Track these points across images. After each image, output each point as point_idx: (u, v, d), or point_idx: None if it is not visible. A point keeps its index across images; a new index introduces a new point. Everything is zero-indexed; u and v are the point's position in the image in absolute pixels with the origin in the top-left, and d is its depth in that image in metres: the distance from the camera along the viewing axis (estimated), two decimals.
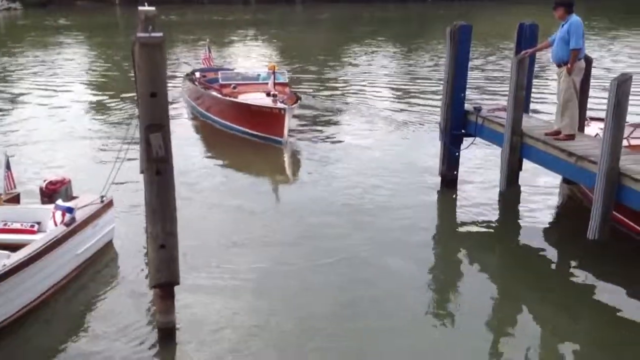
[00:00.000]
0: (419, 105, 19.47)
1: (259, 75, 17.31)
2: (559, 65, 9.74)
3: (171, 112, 17.74)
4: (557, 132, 9.80)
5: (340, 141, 15.80)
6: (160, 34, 6.31)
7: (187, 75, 19.78)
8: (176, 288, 7.01)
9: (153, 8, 10.12)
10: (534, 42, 11.14)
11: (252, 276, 8.71)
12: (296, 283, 8.57)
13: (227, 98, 15.77)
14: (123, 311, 7.86)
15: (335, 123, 17.68)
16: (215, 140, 15.92)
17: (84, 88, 22.83)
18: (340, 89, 22.53)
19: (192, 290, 8.25)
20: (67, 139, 15.66)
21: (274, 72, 15.57)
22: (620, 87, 7.74)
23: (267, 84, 15.90)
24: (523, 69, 9.77)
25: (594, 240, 8.43)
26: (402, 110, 18.91)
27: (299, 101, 15.66)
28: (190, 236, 9.75)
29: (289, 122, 14.71)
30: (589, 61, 10.03)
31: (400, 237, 10.08)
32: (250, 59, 29.65)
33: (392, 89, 22.39)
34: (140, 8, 10.05)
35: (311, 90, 21.76)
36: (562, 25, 9.69)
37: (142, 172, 6.47)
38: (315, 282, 8.63)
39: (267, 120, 14.52)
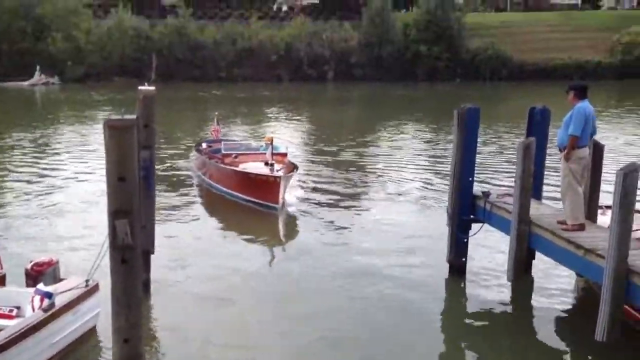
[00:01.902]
0: (443, 185, 19.03)
1: (261, 146, 18.12)
2: (560, 150, 9.35)
3: (177, 183, 18.47)
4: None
5: (351, 215, 15.77)
6: (132, 117, 6.11)
7: (195, 146, 20.78)
8: None
9: (153, 88, 10.17)
10: (545, 126, 10.78)
11: None
12: None
13: (228, 167, 16.72)
14: None
15: (353, 197, 17.55)
16: (216, 208, 16.63)
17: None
18: (365, 165, 22.33)
19: None
20: (76, 214, 15.50)
21: (271, 143, 16.16)
22: (627, 178, 7.24)
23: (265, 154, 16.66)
24: (529, 154, 9.33)
25: (602, 342, 7.76)
26: (423, 189, 18.46)
27: (295, 170, 16.67)
28: (169, 328, 9.46)
29: (285, 190, 15.61)
30: (599, 148, 9.58)
31: (403, 327, 9.58)
32: (277, 134, 29.68)
33: (417, 168, 21.93)
34: (139, 87, 10.09)
35: (335, 165, 21.76)
36: None
37: None
38: None
39: (263, 187, 15.34)
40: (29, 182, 19.03)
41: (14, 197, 17.06)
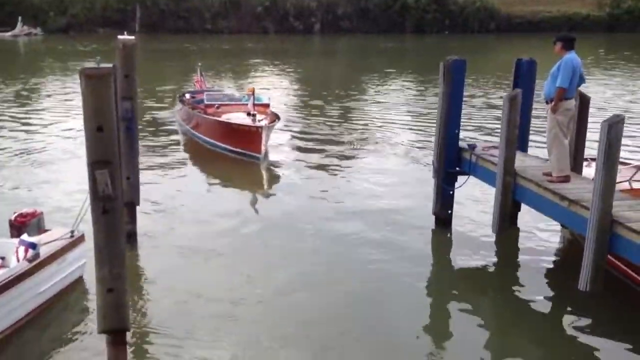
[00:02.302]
0: (432, 138, 18.92)
1: (243, 96, 18.19)
2: (546, 102, 9.31)
3: (161, 134, 18.33)
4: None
5: (337, 168, 15.75)
6: (108, 65, 5.96)
7: (179, 97, 20.73)
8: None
9: (132, 37, 9.96)
10: (532, 78, 10.71)
11: (214, 324, 8.21)
12: (269, 331, 8.05)
13: (210, 117, 16.80)
14: (81, 353, 7.46)
15: (339, 150, 17.47)
16: (200, 158, 16.71)
17: None
18: (351, 118, 22.22)
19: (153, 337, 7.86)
20: (60, 165, 15.34)
21: (253, 94, 16.35)
22: (612, 129, 7.23)
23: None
24: (515, 106, 9.27)
25: (585, 291, 7.85)
26: (411, 142, 18.38)
27: (277, 120, 16.94)
28: (155, 279, 9.48)
29: (267, 140, 15.85)
30: (585, 100, 9.54)
31: (388, 276, 9.62)
32: (263, 87, 29.42)
33: (404, 121, 21.83)
34: (119, 37, 9.88)
35: (321, 119, 21.68)
36: None
37: None
38: (290, 329, 8.13)
39: (245, 137, 15.53)
40: (11, 133, 18.83)
41: (19, 145, 16.98)
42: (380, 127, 20.50)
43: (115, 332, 6.41)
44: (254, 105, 16.23)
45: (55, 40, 50.67)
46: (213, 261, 10.10)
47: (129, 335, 6.81)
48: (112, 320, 6.32)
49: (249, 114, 16.10)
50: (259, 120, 15.62)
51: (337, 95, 27.17)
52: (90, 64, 32.66)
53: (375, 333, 8.06)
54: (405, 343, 7.89)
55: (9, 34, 53.37)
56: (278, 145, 17.41)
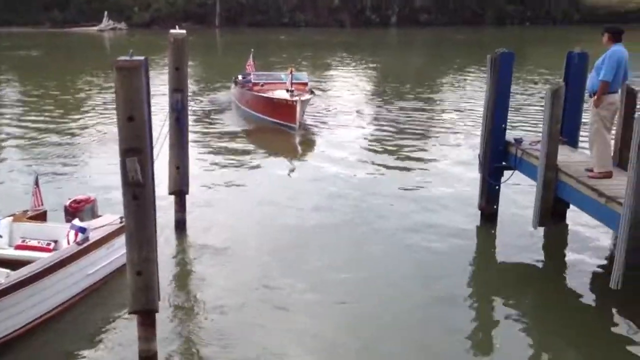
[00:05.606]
0: None
1: (284, 75, 20.30)
2: (590, 96, 9.10)
3: (217, 111, 21.16)
4: None
5: (397, 159, 16.10)
6: (140, 58, 6.28)
7: (234, 79, 23.44)
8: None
9: (183, 31, 10.34)
10: (583, 71, 10.47)
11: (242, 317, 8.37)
12: (295, 321, 8.28)
13: (255, 93, 19.74)
14: (122, 336, 7.81)
15: (403, 144, 17.71)
16: (247, 132, 19.24)
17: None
18: (422, 111, 22.23)
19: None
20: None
21: (291, 73, 19.16)
22: None
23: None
24: (558, 100, 9.10)
25: (617, 290, 7.68)
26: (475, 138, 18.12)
27: (312, 96, 19.72)
28: (195, 268, 9.81)
29: (302, 113, 18.41)
30: (632, 94, 9.26)
31: (431, 270, 9.68)
32: (338, 81, 29.78)
33: (476, 116, 21.35)
34: (171, 31, 10.28)
35: (391, 111, 22.14)
36: None
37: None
38: (325, 318, 8.35)
39: (283, 110, 18.25)
40: (73, 122, 20.07)
41: (64, 137, 17.94)
42: (450, 121, 20.48)
43: (144, 312, 6.80)
44: (292, 83, 18.86)
45: (139, 35, 52.49)
46: (251, 254, 10.19)
47: (159, 316, 7.11)
48: (140, 302, 6.71)
49: (287, 90, 18.56)
50: (295, 96, 18.07)
51: (409, 88, 27.07)
52: None
53: (407, 326, 8.14)
54: (439, 334, 7.96)
55: (96, 28, 55.70)
56: (344, 140, 17.99)
